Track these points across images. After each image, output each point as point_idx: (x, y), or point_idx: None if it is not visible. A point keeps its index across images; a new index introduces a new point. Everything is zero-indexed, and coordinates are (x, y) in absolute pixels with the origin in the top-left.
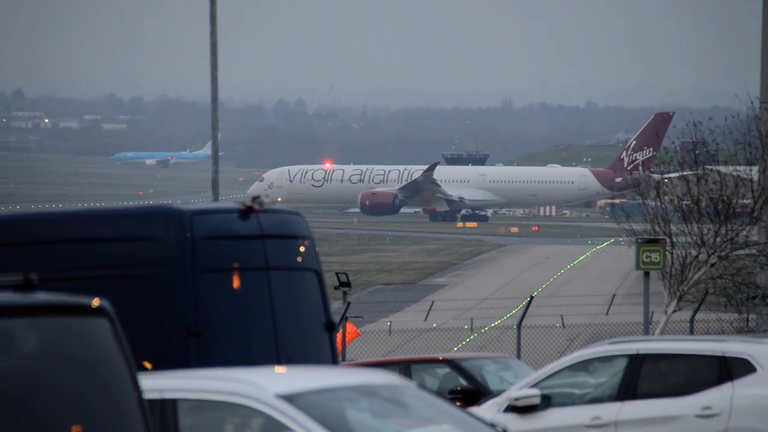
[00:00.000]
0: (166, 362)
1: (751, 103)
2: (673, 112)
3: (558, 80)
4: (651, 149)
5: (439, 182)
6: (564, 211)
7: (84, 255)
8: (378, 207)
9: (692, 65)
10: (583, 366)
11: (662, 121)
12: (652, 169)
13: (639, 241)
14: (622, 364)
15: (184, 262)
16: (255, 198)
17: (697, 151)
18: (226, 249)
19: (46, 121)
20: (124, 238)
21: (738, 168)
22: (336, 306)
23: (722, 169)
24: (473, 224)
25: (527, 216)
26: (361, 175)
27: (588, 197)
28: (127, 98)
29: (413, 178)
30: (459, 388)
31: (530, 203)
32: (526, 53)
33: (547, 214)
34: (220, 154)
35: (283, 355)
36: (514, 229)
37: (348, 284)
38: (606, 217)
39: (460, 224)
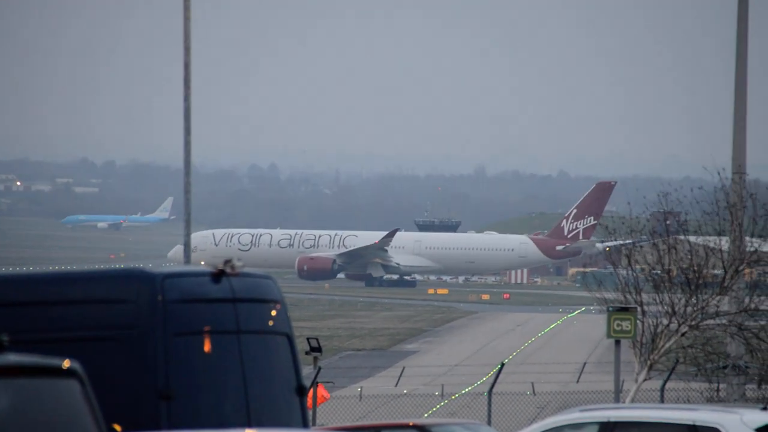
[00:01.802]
0: (136, 425)
1: (718, 174)
2: (615, 182)
3: (531, 149)
4: (592, 218)
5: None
6: (535, 279)
7: (56, 317)
8: (316, 272)
9: (666, 136)
10: None
11: (603, 190)
12: (594, 238)
13: (610, 309)
14: (593, 431)
15: (156, 325)
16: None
17: (668, 221)
18: (197, 312)
19: (18, 183)
20: (96, 301)
21: (708, 238)
22: (307, 371)
23: (692, 239)
24: (444, 291)
25: (498, 283)
26: (290, 239)
27: (528, 264)
28: (99, 162)
29: (345, 244)
30: None
31: (468, 270)
32: (499, 121)
33: (519, 281)
34: (173, 217)
35: (253, 419)
36: (486, 296)
37: (319, 349)
38: (577, 285)
39: (431, 290)
